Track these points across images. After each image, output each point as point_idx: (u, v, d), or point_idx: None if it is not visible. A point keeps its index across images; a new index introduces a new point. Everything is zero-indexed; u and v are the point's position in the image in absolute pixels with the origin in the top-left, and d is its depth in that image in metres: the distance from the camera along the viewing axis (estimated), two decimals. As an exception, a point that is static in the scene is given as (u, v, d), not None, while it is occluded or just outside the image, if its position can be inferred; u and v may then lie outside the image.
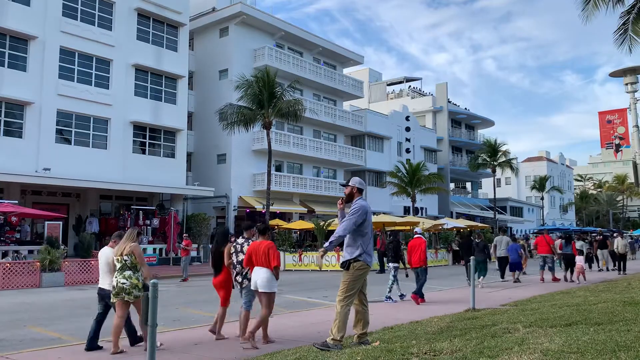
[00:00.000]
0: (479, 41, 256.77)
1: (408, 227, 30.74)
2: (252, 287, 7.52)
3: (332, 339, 6.39)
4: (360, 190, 6.88)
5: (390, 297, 12.75)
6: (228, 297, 8.19)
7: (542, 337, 6.16)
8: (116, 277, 7.21)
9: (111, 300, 7.32)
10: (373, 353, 5.77)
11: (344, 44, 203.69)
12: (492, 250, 17.89)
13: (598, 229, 45.95)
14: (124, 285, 7.11)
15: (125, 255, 7.22)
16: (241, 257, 7.77)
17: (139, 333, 7.59)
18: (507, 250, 17.81)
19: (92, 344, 7.40)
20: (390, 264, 13.08)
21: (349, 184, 6.87)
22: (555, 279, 17.80)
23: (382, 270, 24.43)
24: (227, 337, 8.10)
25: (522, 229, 63.67)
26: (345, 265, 6.57)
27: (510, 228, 58.21)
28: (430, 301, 12.62)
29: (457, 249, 32.71)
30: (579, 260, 17.46)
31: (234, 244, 8.02)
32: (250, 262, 7.50)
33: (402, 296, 13.04)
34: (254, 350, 7.09)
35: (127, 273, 7.16)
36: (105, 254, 7.63)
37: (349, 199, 6.84)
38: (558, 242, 20.67)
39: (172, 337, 8.36)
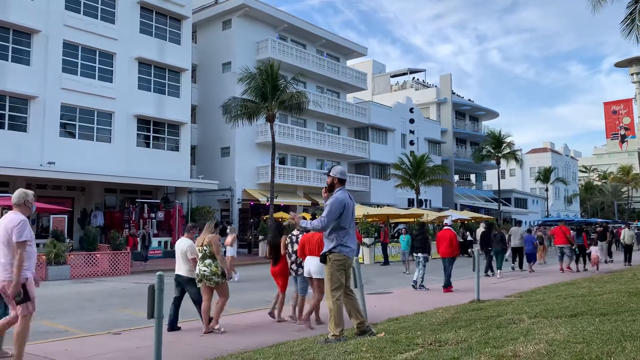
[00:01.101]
0: (483, 32, 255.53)
1: (412, 219, 30.73)
2: (305, 274, 8.25)
3: (332, 335, 6.44)
4: (341, 181, 6.85)
5: (423, 285, 13.41)
6: (286, 284, 8.94)
7: (548, 327, 6.16)
8: (199, 265, 8.03)
9: (197, 286, 8.13)
10: (378, 344, 5.78)
11: (348, 35, 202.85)
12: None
13: (601, 220, 45.81)
14: (205, 272, 7.91)
15: (205, 245, 7.99)
16: (296, 247, 8.54)
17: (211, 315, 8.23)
18: (522, 241, 18.70)
19: (173, 326, 8.17)
20: (420, 254, 13.60)
21: (331, 174, 6.88)
22: (568, 268, 18.31)
23: (386, 262, 24.44)
24: (286, 319, 8.83)
25: (527, 220, 63.54)
26: (323, 258, 6.65)
27: (521, 221, 58.19)
28: (434, 292, 12.64)
29: (462, 240, 32.74)
30: (594, 250, 18.43)
31: (289, 235, 8.75)
32: (303, 252, 8.22)
33: (414, 284, 13.56)
34: (309, 330, 7.92)
35: (207, 261, 7.96)
36: (180, 245, 8.36)
37: (330, 188, 6.85)
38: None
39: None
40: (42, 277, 17.49)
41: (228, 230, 16.93)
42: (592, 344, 5.01)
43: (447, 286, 13.01)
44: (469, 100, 60.87)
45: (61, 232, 20.45)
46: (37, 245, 20.22)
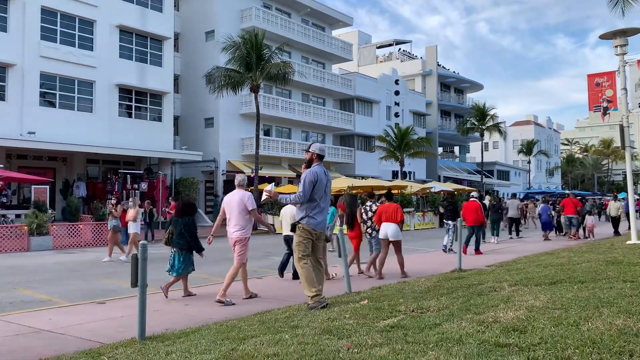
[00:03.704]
0: (472, 3, 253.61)
1: (396, 191, 30.90)
2: (381, 237, 10.38)
3: (310, 298, 6.65)
4: (319, 157, 7.00)
5: (452, 249, 14.89)
6: (359, 245, 10.95)
7: (527, 294, 6.29)
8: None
9: None
10: (362, 310, 5.86)
11: (335, 5, 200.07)
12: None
13: (577, 192, 46.46)
14: None
15: None
16: (370, 214, 10.72)
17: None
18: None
19: (281, 273, 10.29)
20: (450, 222, 15.35)
21: (310, 149, 7.02)
22: (575, 236, 19.72)
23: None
24: (368, 275, 10.57)
25: (508, 192, 64.31)
26: (293, 227, 6.91)
27: (515, 193, 58.79)
28: (418, 262, 12.81)
29: (443, 212, 33.08)
30: (590, 220, 20.06)
31: (364, 206, 10.97)
32: (380, 219, 10.36)
33: (444, 248, 15.17)
34: (380, 280, 9.80)
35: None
36: (287, 211, 10.04)
37: (309, 164, 6.99)
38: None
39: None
40: (24, 247, 17.39)
41: (130, 204, 15.31)
42: (570, 310, 5.14)
43: (477, 249, 14.74)
44: (454, 72, 60.75)
45: (43, 202, 20.23)
46: (19, 216, 20.07)
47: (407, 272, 10.38)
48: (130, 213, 14.62)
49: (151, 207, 21.43)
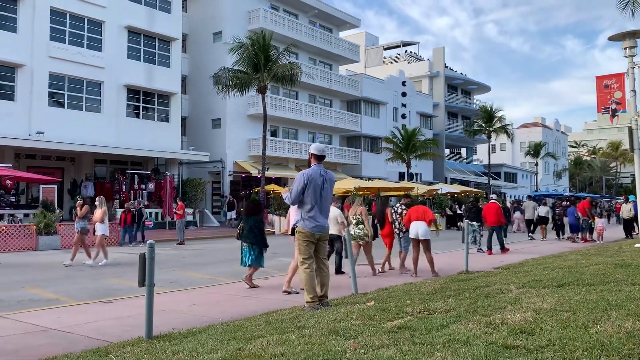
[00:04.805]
0: (481, 4, 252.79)
1: (402, 192, 30.82)
2: (411, 236, 10.94)
3: (306, 302, 6.70)
4: (317, 157, 6.89)
5: (480, 249, 15.95)
6: (392, 243, 11.81)
7: (535, 297, 6.25)
8: (353, 228, 10.79)
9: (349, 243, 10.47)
10: (368, 312, 5.85)
11: (344, 7, 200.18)
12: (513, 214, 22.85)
13: (586, 194, 46.14)
14: (359, 233, 10.84)
15: (358, 214, 10.94)
16: (396, 216, 11.61)
17: (343, 268, 10.90)
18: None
19: (338, 271, 10.88)
20: (474, 223, 15.96)
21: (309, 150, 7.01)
22: (585, 240, 19.98)
23: (375, 236, 24.52)
24: (387, 271, 11.49)
25: (516, 194, 64.03)
26: (292, 231, 7.02)
27: (531, 195, 58.47)
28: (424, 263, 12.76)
29: (451, 214, 32.98)
30: (600, 222, 20.10)
31: (393, 206, 12.01)
32: (410, 219, 10.97)
33: (480, 250, 15.96)
34: (413, 277, 10.42)
35: (360, 226, 10.86)
36: (331, 212, 10.37)
37: (309, 164, 6.94)
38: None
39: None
40: (33, 247, 17.48)
41: (97, 203, 14.20)
42: (578, 312, 5.10)
43: (503, 248, 15.55)
44: (462, 73, 60.57)
45: (51, 202, 20.36)
46: (27, 215, 20.17)
47: (438, 272, 10.68)
48: (97, 214, 13.73)
49: (141, 206, 20.62)
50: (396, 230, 11.63)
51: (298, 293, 8.26)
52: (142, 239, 20.08)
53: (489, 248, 15.57)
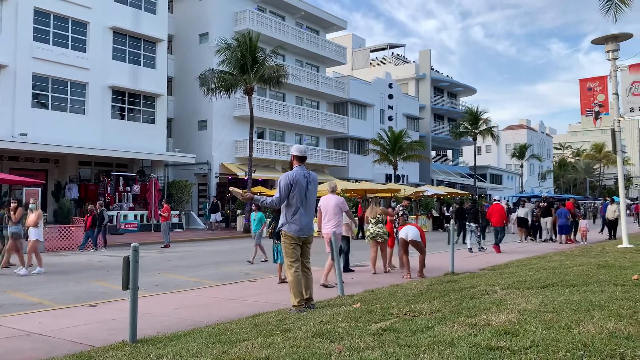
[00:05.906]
0: (468, 7, 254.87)
1: (389, 194, 30.92)
2: (401, 236, 10.91)
3: (292, 305, 6.66)
4: (298, 158, 6.80)
5: (482, 248, 16.66)
6: (392, 242, 12.14)
7: (519, 298, 6.30)
8: (372, 227, 11.39)
9: (366, 241, 11.62)
10: (354, 314, 5.85)
11: (331, 9, 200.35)
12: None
13: (572, 196, 46.65)
14: (379, 232, 11.37)
15: (378, 215, 11.50)
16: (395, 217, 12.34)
17: (350, 265, 11.69)
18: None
19: (346, 269, 11.15)
20: (472, 224, 16.43)
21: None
22: (570, 240, 20.04)
23: (363, 236, 24.59)
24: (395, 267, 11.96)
25: (502, 196, 64.48)
26: (277, 235, 6.77)
27: (528, 197, 58.90)
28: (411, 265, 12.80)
29: (437, 215, 33.16)
30: (583, 223, 20.39)
31: (395, 207, 13.04)
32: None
33: (481, 249, 16.63)
34: (414, 278, 10.46)
35: (380, 225, 11.42)
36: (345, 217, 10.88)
37: (291, 166, 6.87)
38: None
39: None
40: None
41: (30, 206, 13.28)
42: (562, 313, 5.15)
43: (498, 247, 16.01)
44: (448, 76, 60.98)
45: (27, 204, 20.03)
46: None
47: (425, 274, 10.77)
48: (31, 217, 12.79)
49: (102, 208, 19.40)
50: (395, 230, 12.16)
51: (334, 287, 8.65)
52: (103, 243, 19.08)
53: (497, 244, 16.21)
